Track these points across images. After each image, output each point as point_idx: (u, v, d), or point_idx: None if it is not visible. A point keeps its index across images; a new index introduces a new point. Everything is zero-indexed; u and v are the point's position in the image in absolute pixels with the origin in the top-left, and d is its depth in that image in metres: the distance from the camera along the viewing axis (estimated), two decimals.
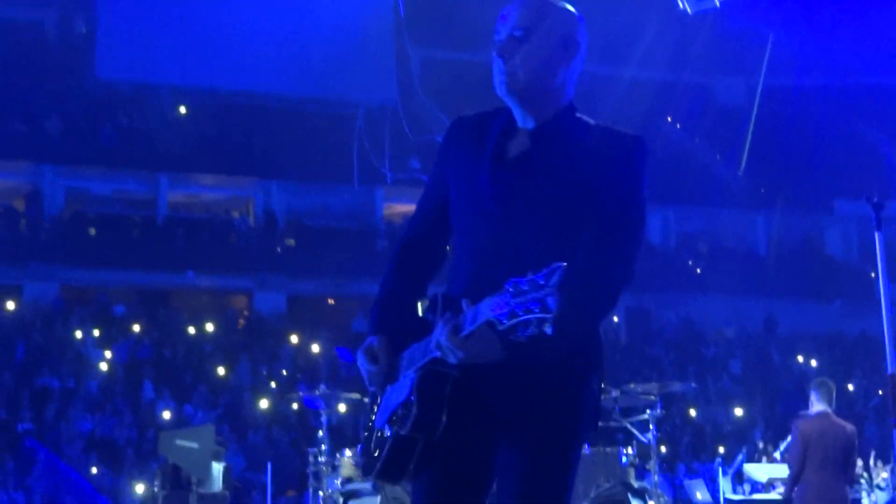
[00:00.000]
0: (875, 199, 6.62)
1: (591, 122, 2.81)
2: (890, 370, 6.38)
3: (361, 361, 2.81)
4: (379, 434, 2.77)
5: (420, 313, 2.85)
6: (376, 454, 2.75)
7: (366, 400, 2.99)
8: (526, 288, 2.20)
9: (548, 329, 2.19)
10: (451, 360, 2.48)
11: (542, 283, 2.18)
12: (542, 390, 2.64)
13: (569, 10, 2.86)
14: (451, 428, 2.61)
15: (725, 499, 10.48)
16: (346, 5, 22.10)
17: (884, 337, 6.28)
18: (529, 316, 2.18)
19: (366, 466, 2.84)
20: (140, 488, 14.03)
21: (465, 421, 2.63)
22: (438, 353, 2.50)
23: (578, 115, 2.84)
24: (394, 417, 2.69)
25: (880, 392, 18.85)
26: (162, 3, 21.90)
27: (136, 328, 20.37)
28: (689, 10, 19.61)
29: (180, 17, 21.84)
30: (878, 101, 26.12)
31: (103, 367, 18.28)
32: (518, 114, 2.81)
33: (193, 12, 21.94)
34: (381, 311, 2.88)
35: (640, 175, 2.72)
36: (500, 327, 2.25)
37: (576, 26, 2.85)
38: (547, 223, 2.63)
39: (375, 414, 2.85)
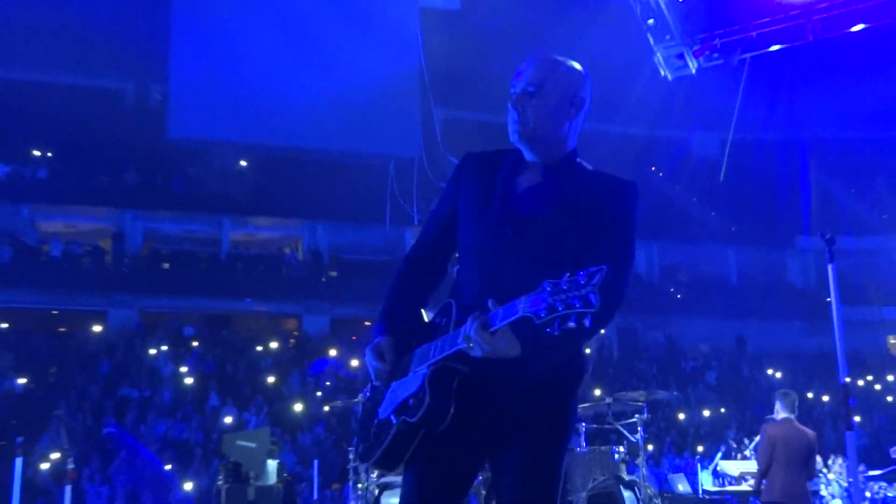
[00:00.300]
0: (828, 236, 6.65)
1: (590, 167, 2.84)
2: (841, 381, 6.30)
3: (370, 359, 2.80)
4: (383, 424, 2.74)
5: (425, 320, 2.86)
6: (377, 442, 2.73)
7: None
8: (566, 287, 2.20)
9: (587, 322, 2.17)
10: (477, 352, 2.45)
11: (582, 282, 2.18)
12: (538, 398, 2.65)
13: (576, 70, 2.88)
14: (452, 422, 2.58)
15: (703, 490, 10.34)
16: (379, 71, 22.19)
17: (837, 353, 6.29)
18: (570, 311, 2.17)
19: (364, 454, 2.81)
20: (188, 486, 14.01)
21: (463, 418, 2.58)
22: (464, 346, 2.47)
23: (579, 160, 2.85)
24: (403, 407, 2.66)
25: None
26: (224, 74, 22.01)
27: (203, 347, 20.39)
28: (668, 76, 19.59)
29: (239, 84, 21.95)
30: (830, 153, 26.07)
31: (175, 380, 18.28)
32: (528, 156, 2.83)
33: (250, 81, 22.04)
34: (388, 317, 2.87)
35: (634, 214, 2.74)
36: (538, 321, 2.24)
37: (581, 84, 2.87)
38: (551, 247, 2.63)
39: (380, 406, 2.80)
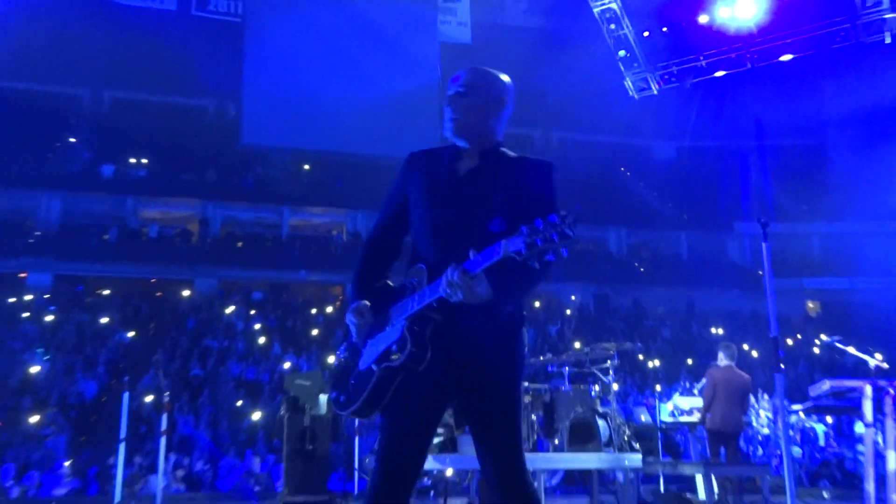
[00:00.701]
0: (764, 221, 6.58)
1: (514, 154, 2.79)
2: (773, 334, 6.31)
3: (351, 319, 2.73)
4: (363, 375, 2.64)
5: (391, 286, 2.79)
6: (357, 393, 2.63)
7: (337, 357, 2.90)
8: (541, 226, 2.20)
9: (563, 252, 2.19)
10: (458, 297, 2.38)
11: (557, 221, 2.19)
12: (492, 344, 2.59)
13: (501, 78, 2.83)
14: (425, 367, 2.52)
15: (660, 420, 10.38)
16: (406, 91, 22.22)
17: (768, 314, 6.23)
18: (549, 245, 2.18)
19: (344, 404, 2.70)
20: (256, 415, 14.10)
21: (434, 364, 2.52)
22: (444, 293, 2.41)
23: (504, 149, 2.80)
24: (385, 356, 2.56)
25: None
26: (284, 92, 22.07)
27: (268, 308, 20.49)
28: (636, 96, 19.56)
29: (296, 101, 22.01)
30: (762, 156, 25.99)
31: (246, 333, 18.41)
32: (463, 147, 2.79)
33: (305, 98, 22.09)
34: (360, 286, 2.80)
35: (554, 185, 2.73)
36: (520, 258, 2.23)
37: (504, 89, 2.82)
38: (493, 215, 2.57)
39: (359, 360, 2.71)
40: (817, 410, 8.47)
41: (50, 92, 23.36)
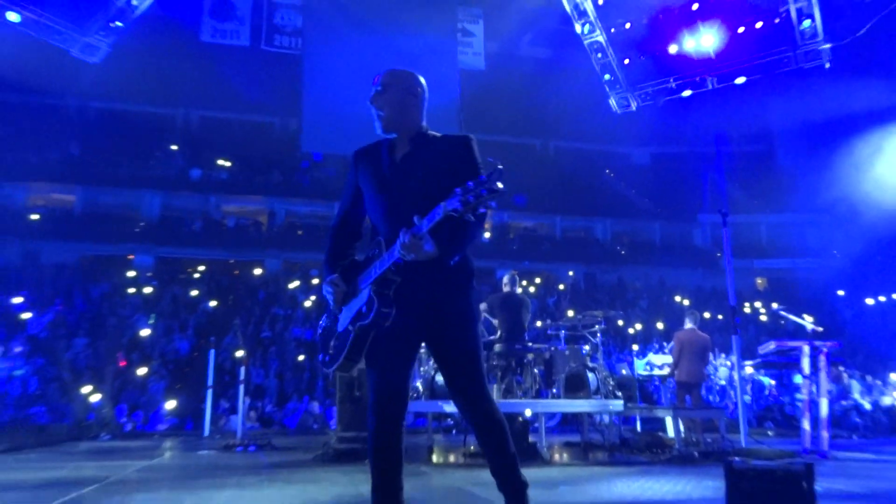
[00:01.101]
0: (724, 211, 6.49)
1: (438, 134, 2.72)
2: (731, 304, 6.22)
3: (327, 290, 2.69)
4: (341, 336, 2.59)
5: (358, 260, 2.73)
6: (338, 352, 2.57)
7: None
8: (472, 186, 2.16)
9: (493, 204, 2.16)
10: (410, 256, 2.36)
11: (485, 180, 2.15)
12: (447, 293, 2.54)
13: (410, 73, 2.75)
14: (393, 321, 2.47)
15: (637, 374, 10.32)
16: (433, 107, 22.00)
17: (726, 288, 6.15)
18: (481, 200, 2.14)
19: (329, 363, 2.62)
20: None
21: (399, 317, 2.48)
22: (399, 256, 2.38)
23: (430, 132, 2.72)
24: (357, 316, 2.51)
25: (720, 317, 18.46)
26: (333, 110, 22.02)
27: (322, 283, 20.50)
28: (618, 111, 19.34)
29: (342, 116, 21.90)
30: (721, 160, 25.66)
31: (307, 304, 18.48)
32: (395, 137, 2.71)
33: (348, 114, 22.00)
34: (331, 263, 2.74)
35: (475, 155, 2.61)
36: (457, 214, 2.20)
37: (415, 81, 2.74)
38: (430, 187, 2.50)
39: (337, 325, 2.65)
40: (765, 366, 8.34)
41: (151, 112, 23.52)
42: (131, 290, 18.07)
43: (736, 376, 7.25)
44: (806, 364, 7.09)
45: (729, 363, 14.62)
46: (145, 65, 20.16)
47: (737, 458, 2.68)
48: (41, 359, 13.38)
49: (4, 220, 20.08)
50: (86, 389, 11.94)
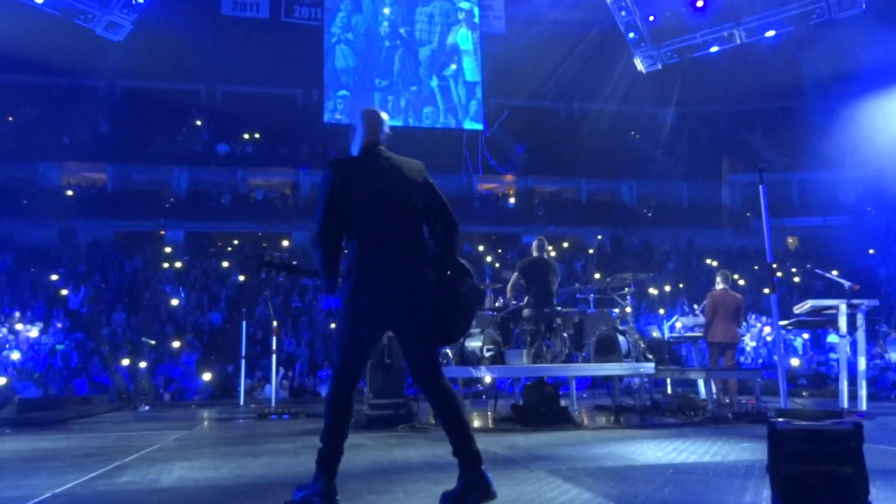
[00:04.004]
0: (761, 166, 6.30)
1: (393, 154, 3.21)
2: (769, 260, 6.02)
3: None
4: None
5: None
6: None
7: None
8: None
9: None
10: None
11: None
12: (414, 291, 2.96)
13: (360, 111, 3.34)
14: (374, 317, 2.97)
15: (669, 336, 10.21)
16: (449, 72, 21.84)
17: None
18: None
19: None
20: None
21: (374, 311, 2.95)
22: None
23: (385, 151, 3.22)
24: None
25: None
26: (354, 81, 21.87)
27: None
28: (643, 70, 18.80)
29: (365, 86, 21.79)
30: (754, 120, 24.99)
31: None
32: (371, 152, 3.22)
33: (371, 82, 21.83)
34: (331, 268, 3.06)
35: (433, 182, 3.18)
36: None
37: (357, 115, 3.32)
38: (402, 207, 3.06)
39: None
40: (800, 325, 8.16)
41: (176, 88, 23.51)
42: (164, 265, 18.31)
43: (776, 337, 7.08)
44: (843, 323, 6.90)
45: (758, 325, 14.41)
46: (168, 41, 20.09)
47: (780, 419, 2.57)
48: (81, 333, 13.68)
49: (42, 200, 20.43)
50: (125, 362, 12.19)
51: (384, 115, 3.30)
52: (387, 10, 22.10)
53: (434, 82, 21.90)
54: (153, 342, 13.16)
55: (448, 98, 21.96)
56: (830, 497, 2.48)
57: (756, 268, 20.24)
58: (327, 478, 2.89)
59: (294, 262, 4.07)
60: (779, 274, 20.04)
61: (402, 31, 22.03)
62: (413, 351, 2.97)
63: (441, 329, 2.98)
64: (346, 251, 3.05)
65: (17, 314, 13.97)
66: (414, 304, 2.93)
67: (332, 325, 14.60)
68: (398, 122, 21.60)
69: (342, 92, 21.88)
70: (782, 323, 7.34)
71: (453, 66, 21.98)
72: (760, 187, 5.64)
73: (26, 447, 5.80)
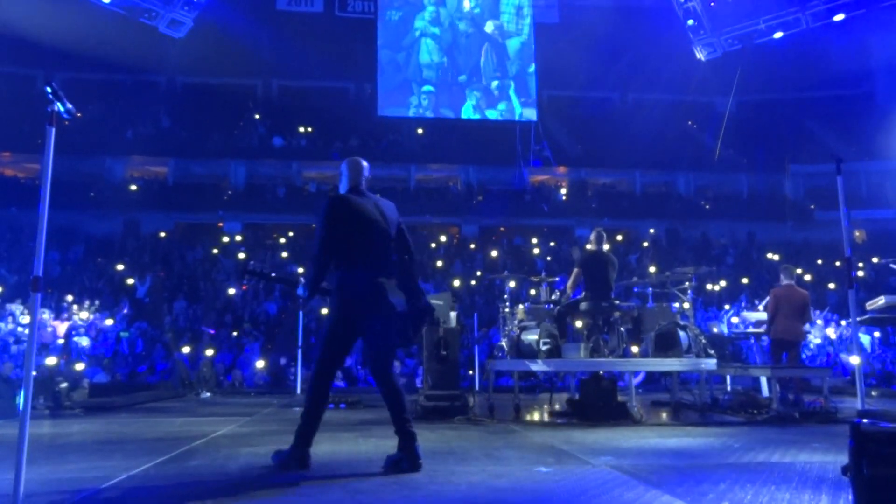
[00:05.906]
0: (839, 157, 6.02)
1: (374, 195, 3.98)
2: (847, 254, 5.75)
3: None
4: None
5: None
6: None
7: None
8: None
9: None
10: None
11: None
12: (384, 309, 3.64)
13: (345, 160, 4.08)
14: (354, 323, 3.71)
15: (730, 331, 9.91)
16: (507, 62, 21.68)
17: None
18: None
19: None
20: None
21: (354, 320, 3.71)
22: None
23: (367, 192, 3.99)
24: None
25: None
26: (406, 76, 21.94)
27: None
28: (703, 58, 18.30)
29: (418, 82, 21.81)
30: (810, 108, 24.00)
31: None
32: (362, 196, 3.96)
33: (422, 79, 21.84)
34: (319, 282, 3.79)
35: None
36: None
37: (343, 163, 4.08)
38: (381, 237, 3.85)
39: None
40: (873, 322, 7.81)
41: (232, 83, 24.05)
42: (223, 256, 18.80)
43: (851, 334, 6.79)
44: None
45: (819, 322, 13.88)
46: (226, 37, 20.58)
47: (865, 420, 2.46)
48: (145, 322, 14.19)
49: (108, 194, 21.24)
50: (185, 349, 12.58)
51: (364, 163, 4.00)
52: (468, 4, 22.11)
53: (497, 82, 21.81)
54: (212, 331, 13.54)
55: (501, 94, 21.90)
56: None
57: (819, 262, 19.49)
58: (302, 446, 3.62)
59: (273, 274, 4.82)
60: (838, 265, 19.28)
61: (488, 25, 22.01)
62: (375, 352, 3.68)
63: (402, 334, 3.61)
64: (335, 270, 3.72)
65: (87, 303, 14.57)
66: (382, 317, 3.62)
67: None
68: (476, 116, 21.73)
69: (427, 87, 22.00)
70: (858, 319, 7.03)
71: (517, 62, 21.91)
72: (838, 179, 5.40)
73: (100, 429, 6.06)
